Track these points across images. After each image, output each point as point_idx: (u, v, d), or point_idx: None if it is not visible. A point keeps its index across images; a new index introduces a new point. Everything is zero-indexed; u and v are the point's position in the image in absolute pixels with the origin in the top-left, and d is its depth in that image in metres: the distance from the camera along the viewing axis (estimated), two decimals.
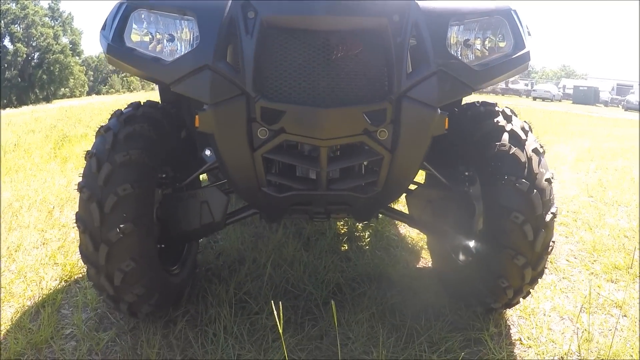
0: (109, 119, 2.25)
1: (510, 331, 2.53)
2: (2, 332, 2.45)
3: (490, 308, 2.47)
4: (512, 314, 2.68)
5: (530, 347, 2.41)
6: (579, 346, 2.35)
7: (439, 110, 1.94)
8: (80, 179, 2.10)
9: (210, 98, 1.84)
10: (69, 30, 54.18)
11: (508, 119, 2.33)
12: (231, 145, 1.94)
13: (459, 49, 2.05)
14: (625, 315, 2.70)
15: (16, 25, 49.32)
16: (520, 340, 2.46)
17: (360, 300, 2.75)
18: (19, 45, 48.20)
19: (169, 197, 2.46)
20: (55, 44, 51.06)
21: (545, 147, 7.89)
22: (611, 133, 12.79)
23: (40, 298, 2.78)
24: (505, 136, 2.23)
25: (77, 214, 2.07)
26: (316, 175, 2.05)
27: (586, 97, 39.93)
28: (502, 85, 50.47)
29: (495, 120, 2.31)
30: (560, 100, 42.53)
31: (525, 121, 2.40)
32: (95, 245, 2.00)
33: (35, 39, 50.07)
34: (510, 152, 2.17)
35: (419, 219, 2.49)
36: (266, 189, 2.07)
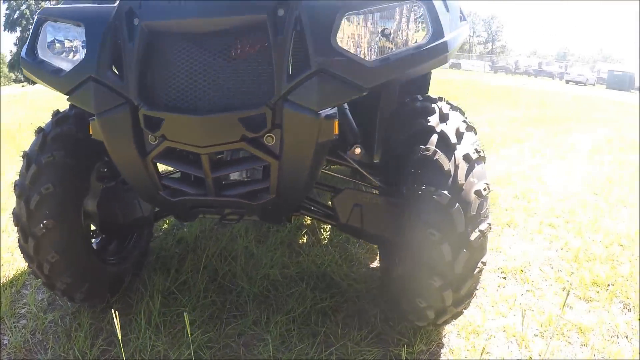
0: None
1: (441, 351, 2.02)
2: None
3: (416, 325, 1.97)
4: (451, 331, 2.15)
5: None
6: None
7: (323, 115, 1.51)
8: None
9: (95, 108, 1.63)
10: None
11: (443, 118, 1.81)
12: (121, 153, 1.72)
13: (358, 43, 1.55)
14: (585, 345, 2.08)
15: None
16: None
17: (287, 300, 2.35)
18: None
19: (106, 191, 2.26)
20: None
21: (563, 136, 6.83)
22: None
23: (8, 278, 2.66)
24: (434, 138, 1.73)
25: (13, 209, 2.01)
26: (205, 181, 1.73)
27: (621, 82, 34.26)
28: (535, 67, 45.23)
29: (428, 119, 1.80)
30: (594, 85, 37.44)
31: (465, 120, 1.86)
32: (25, 238, 1.96)
33: None
34: (434, 158, 1.67)
35: (346, 223, 2.03)
36: (163, 192, 1.82)
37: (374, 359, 1.94)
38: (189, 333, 1.79)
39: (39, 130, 2.06)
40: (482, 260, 1.71)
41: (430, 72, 2.62)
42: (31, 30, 1.84)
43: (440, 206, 1.61)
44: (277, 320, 2.17)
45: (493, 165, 5.23)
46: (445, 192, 1.61)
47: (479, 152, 1.73)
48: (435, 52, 1.57)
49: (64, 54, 1.79)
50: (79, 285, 2.10)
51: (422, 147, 1.70)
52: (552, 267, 2.79)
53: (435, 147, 1.69)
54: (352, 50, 1.52)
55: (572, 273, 2.70)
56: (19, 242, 2.03)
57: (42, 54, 1.79)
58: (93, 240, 2.41)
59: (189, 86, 1.55)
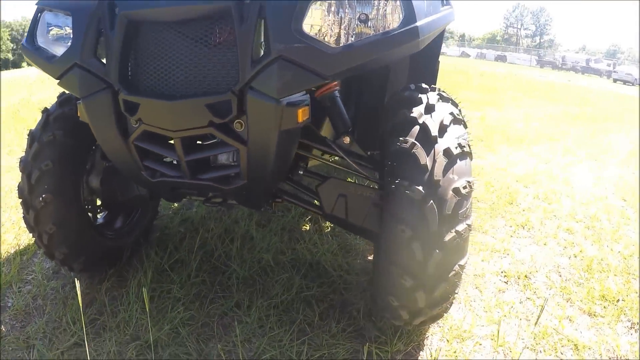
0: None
1: (419, 353, 1.88)
2: None
3: (392, 324, 1.86)
4: (435, 332, 2.01)
5: None
6: None
7: (285, 102, 1.46)
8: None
9: (80, 93, 1.68)
10: None
11: (429, 109, 1.66)
12: (105, 134, 1.75)
13: (330, 30, 1.48)
14: None
15: None
16: None
17: (273, 286, 2.27)
18: None
19: (108, 169, 2.28)
20: None
21: (600, 136, 6.27)
22: None
23: (22, 247, 2.73)
24: (415, 130, 1.60)
25: (18, 183, 2.09)
26: (181, 164, 1.72)
27: None
28: (582, 63, 42.31)
29: (412, 109, 1.66)
30: None
31: (454, 113, 1.69)
32: (27, 210, 2.05)
33: None
34: (411, 151, 1.54)
35: (331, 213, 1.93)
36: (144, 173, 1.82)
37: (345, 354, 1.84)
38: (148, 309, 1.82)
39: (44, 111, 2.12)
40: (460, 263, 1.56)
41: (438, 61, 2.46)
42: (31, 19, 1.89)
43: (412, 202, 1.49)
44: (259, 304, 2.11)
45: (520, 163, 4.94)
46: (420, 187, 1.48)
47: (463, 147, 1.57)
48: (404, 38, 1.45)
49: (61, 41, 1.84)
50: (76, 256, 2.15)
51: (401, 138, 1.58)
52: (560, 276, 2.56)
53: (415, 139, 1.56)
54: (326, 38, 1.45)
55: (581, 284, 2.48)
56: (23, 213, 2.09)
57: (42, 41, 1.86)
58: (99, 215, 2.44)
59: (162, 72, 1.57)
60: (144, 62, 1.59)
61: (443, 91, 1.85)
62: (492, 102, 9.88)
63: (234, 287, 2.27)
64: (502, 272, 2.58)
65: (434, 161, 1.52)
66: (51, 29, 1.85)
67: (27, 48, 1.85)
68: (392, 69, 2.37)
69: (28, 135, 2.08)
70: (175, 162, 1.80)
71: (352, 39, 1.46)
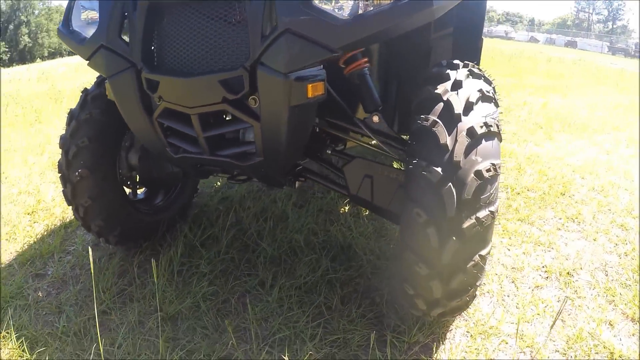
0: None
1: (438, 346, 1.79)
2: (25, 243, 2.61)
3: (411, 313, 1.77)
4: (459, 326, 1.89)
5: None
6: None
7: (293, 77, 1.42)
8: None
9: (106, 72, 1.75)
10: None
11: (456, 85, 1.54)
12: (130, 112, 1.80)
13: (344, 2, 1.42)
14: None
15: None
16: None
17: (300, 266, 2.24)
18: None
19: (145, 147, 2.33)
20: None
21: None
22: None
23: (67, 220, 2.88)
24: (438, 107, 1.49)
25: (59, 159, 2.19)
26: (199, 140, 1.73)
27: None
28: None
29: (437, 86, 1.55)
30: None
31: (483, 90, 1.55)
32: (65, 184, 2.15)
33: None
34: (432, 129, 1.44)
35: (356, 194, 1.85)
36: (168, 149, 1.85)
37: (360, 340, 1.79)
38: (157, 280, 1.86)
39: (84, 91, 2.20)
40: (481, 253, 1.44)
41: (481, 39, 2.30)
42: (67, 4, 1.98)
43: (429, 184, 1.39)
44: (281, 284, 2.09)
45: (579, 152, 4.57)
46: (438, 168, 1.38)
47: (490, 126, 1.43)
48: (416, 6, 1.35)
49: (92, 24, 1.90)
50: (111, 229, 2.23)
51: (422, 116, 1.48)
52: (606, 274, 2.34)
53: (438, 117, 1.46)
54: (344, 10, 1.39)
55: (628, 285, 2.24)
56: (62, 187, 2.20)
57: (77, 25, 1.93)
58: (139, 191, 2.51)
59: (180, 50, 1.59)
60: (164, 41, 1.61)
61: (477, 67, 1.72)
62: (558, 88, 9.23)
63: (260, 266, 2.27)
64: (543, 267, 2.39)
65: (455, 141, 1.40)
66: (84, 13, 1.93)
67: (62, 32, 1.93)
68: (433, 48, 2.24)
69: (68, 113, 2.16)
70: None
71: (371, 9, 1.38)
